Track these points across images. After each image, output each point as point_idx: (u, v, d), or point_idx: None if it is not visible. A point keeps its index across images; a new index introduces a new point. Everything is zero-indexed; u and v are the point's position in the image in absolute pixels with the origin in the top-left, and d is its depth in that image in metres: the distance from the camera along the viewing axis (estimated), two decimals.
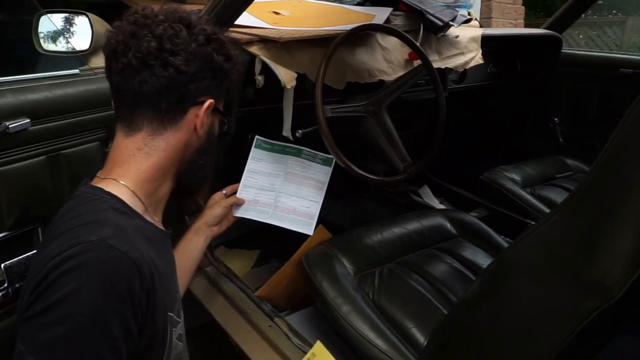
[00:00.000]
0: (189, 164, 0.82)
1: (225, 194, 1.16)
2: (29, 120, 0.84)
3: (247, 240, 1.73)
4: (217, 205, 1.12)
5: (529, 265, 0.72)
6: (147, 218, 0.77)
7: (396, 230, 1.33)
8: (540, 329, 0.68)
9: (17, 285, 0.90)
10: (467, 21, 1.62)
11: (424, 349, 0.98)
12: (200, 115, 0.79)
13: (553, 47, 1.93)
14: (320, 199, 1.22)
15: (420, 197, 1.94)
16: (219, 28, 0.81)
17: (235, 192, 1.17)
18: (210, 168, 0.87)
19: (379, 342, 1.01)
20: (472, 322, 0.80)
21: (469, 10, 1.92)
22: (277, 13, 1.39)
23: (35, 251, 0.91)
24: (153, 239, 0.74)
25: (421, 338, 1.03)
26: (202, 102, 0.79)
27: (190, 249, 1.06)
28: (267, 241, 1.71)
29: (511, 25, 2.78)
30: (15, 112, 0.83)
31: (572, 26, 2.05)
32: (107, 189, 0.72)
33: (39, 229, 0.96)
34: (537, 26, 2.11)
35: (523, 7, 2.83)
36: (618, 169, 0.61)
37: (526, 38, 1.96)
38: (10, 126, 0.81)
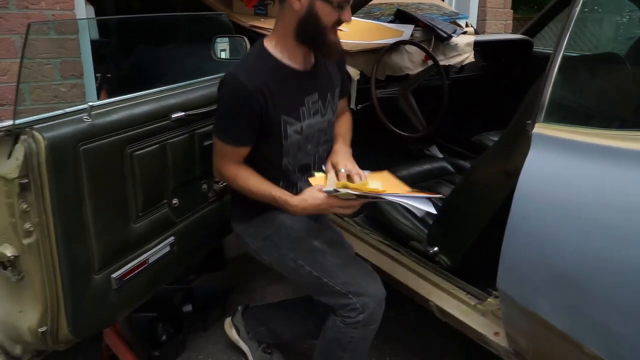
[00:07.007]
0: (301, 29, 1.23)
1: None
2: (184, 113, 1.35)
3: None
4: None
5: (480, 165, 1.51)
6: (284, 61, 1.27)
7: (413, 169, 2.14)
8: (487, 196, 1.46)
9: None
10: (464, 33, 2.38)
11: (431, 225, 1.78)
12: None
13: (526, 47, 2.67)
14: None
15: (430, 152, 2.73)
16: None
17: None
18: (324, 35, 1.25)
19: (407, 222, 1.81)
20: (455, 198, 1.60)
21: (467, 21, 2.66)
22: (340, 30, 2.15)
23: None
24: (278, 73, 1.25)
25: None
26: None
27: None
28: None
29: (502, 25, 3.46)
30: (176, 108, 1.34)
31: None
32: (264, 42, 1.28)
33: (205, 185, 1.51)
34: (529, 20, 2.74)
35: (512, 10, 3.53)
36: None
37: (506, 42, 2.71)
38: (172, 116, 1.32)
